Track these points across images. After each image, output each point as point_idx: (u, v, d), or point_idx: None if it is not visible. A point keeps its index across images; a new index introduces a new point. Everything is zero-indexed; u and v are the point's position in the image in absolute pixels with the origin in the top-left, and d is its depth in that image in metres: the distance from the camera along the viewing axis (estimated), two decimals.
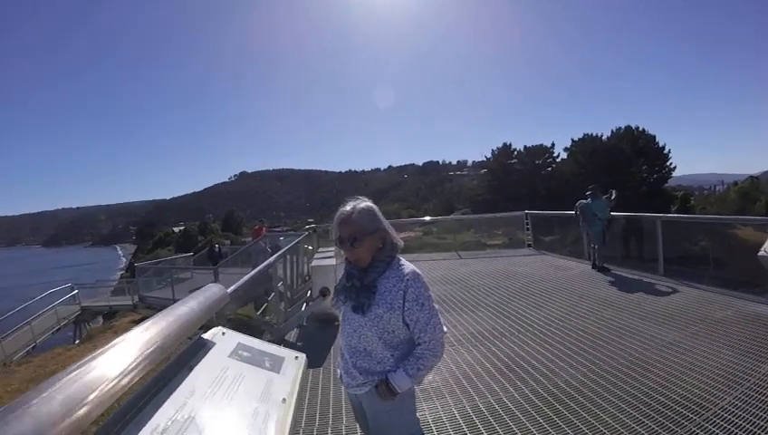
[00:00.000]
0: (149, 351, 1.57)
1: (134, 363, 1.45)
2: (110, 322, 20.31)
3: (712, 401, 3.42)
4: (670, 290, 7.02)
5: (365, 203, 2.02)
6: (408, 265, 2.01)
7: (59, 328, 19.74)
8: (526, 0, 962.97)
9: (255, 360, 2.13)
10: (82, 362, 1.23)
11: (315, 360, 4.92)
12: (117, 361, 1.38)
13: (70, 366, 1.20)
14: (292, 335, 6.07)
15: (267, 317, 8.56)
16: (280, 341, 5.66)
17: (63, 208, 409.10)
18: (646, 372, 4.02)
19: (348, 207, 1.99)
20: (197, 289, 2.30)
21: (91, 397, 1.09)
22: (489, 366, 4.45)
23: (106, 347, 1.41)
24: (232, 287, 2.78)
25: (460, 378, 4.23)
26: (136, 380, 1.41)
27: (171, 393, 1.64)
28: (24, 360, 15.62)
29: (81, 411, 1.02)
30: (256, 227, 18.35)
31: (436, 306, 1.96)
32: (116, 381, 1.29)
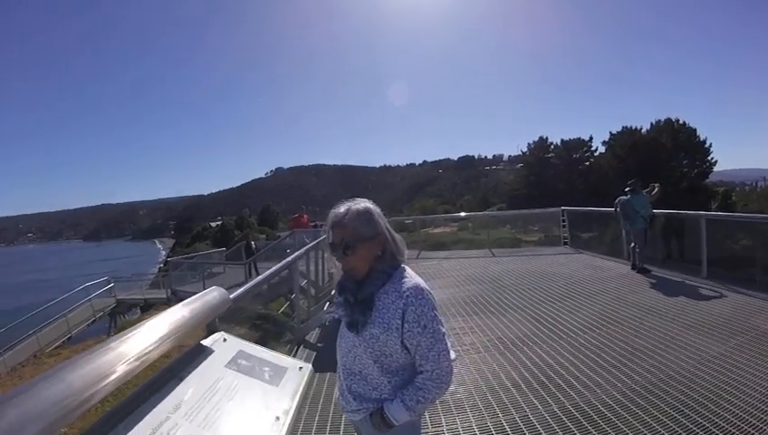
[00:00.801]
0: (140, 357, 1.43)
1: (118, 371, 1.32)
2: (143, 315, 20.59)
3: (764, 422, 3.09)
4: (715, 295, 6.56)
5: (363, 204, 1.76)
6: (412, 277, 1.71)
7: (94, 320, 20.13)
8: None
9: (254, 370, 1.95)
10: (63, 365, 1.14)
11: (333, 362, 4.72)
12: (101, 367, 1.25)
13: (55, 367, 1.12)
14: (313, 335, 5.90)
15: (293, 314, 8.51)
16: (300, 341, 5.53)
17: (104, 204, 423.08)
18: (687, 390, 3.65)
19: (341, 208, 1.73)
20: (200, 293, 2.17)
21: (67, 403, 1.02)
22: (516, 377, 4.15)
23: (92, 351, 1.29)
24: (237, 292, 2.63)
25: (484, 390, 3.94)
26: (121, 387, 1.30)
27: (154, 407, 1.49)
28: (55, 352, 16.02)
29: (53, 418, 0.96)
30: (296, 215, 16.04)
31: (443, 329, 1.66)
32: (97, 388, 1.17)
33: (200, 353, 1.89)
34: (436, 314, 1.65)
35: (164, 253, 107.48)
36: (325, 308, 6.73)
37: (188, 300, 2.03)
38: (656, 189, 8.55)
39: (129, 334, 1.47)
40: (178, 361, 1.76)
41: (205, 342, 2.00)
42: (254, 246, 19.59)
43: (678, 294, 6.67)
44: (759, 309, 5.75)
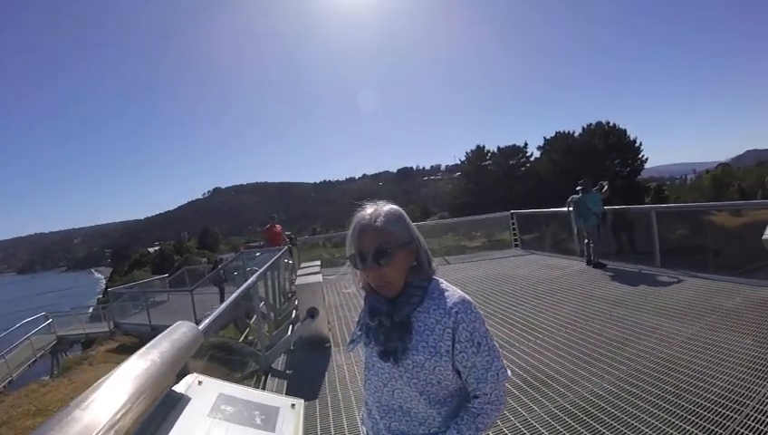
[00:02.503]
0: (111, 426, 1.10)
1: None
2: (87, 351, 19.46)
3: (748, 396, 3.18)
4: (673, 281, 6.82)
5: (391, 205, 1.47)
6: (453, 290, 1.44)
7: (35, 359, 18.78)
8: (492, 2, 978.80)
9: (243, 416, 1.68)
10: None
11: (308, 389, 4.46)
12: None
13: None
14: (279, 362, 5.53)
15: (251, 338, 8.07)
16: (267, 370, 5.16)
17: (36, 234, 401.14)
18: (671, 372, 3.74)
19: (368, 210, 1.44)
20: (167, 330, 1.84)
21: None
22: (506, 383, 4.00)
23: (50, 424, 1.00)
24: (204, 323, 2.32)
25: None
26: None
27: None
28: None
29: None
30: (268, 225, 13.13)
31: (495, 343, 1.42)
32: None
33: (174, 404, 1.57)
34: (487, 329, 1.41)
35: (103, 283, 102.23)
36: (290, 332, 6.37)
37: (154, 341, 1.67)
38: (605, 187, 8.78)
39: (90, 398, 1.14)
40: (150, 418, 1.43)
41: (177, 387, 1.68)
42: (222, 272, 17.68)
43: (639, 284, 6.86)
44: (718, 290, 5.99)
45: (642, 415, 3.12)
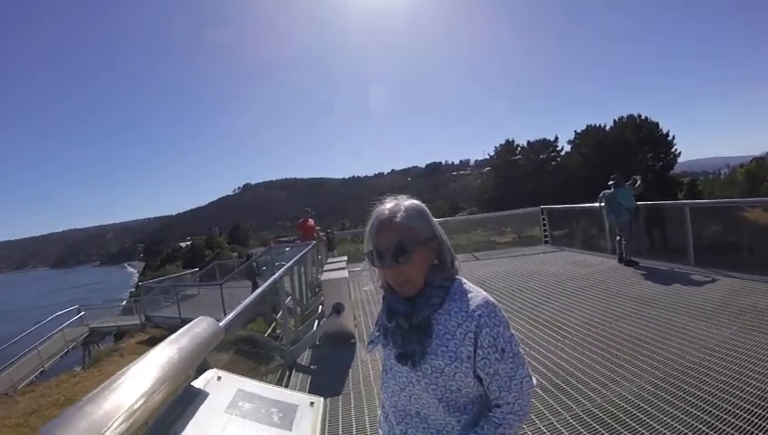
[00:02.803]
0: (127, 416, 1.14)
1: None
2: (118, 343, 19.98)
3: None
4: (707, 280, 6.59)
5: (413, 199, 1.39)
6: (477, 291, 1.36)
7: (67, 351, 19.32)
8: None
9: (260, 413, 1.65)
10: None
11: (332, 385, 4.45)
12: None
13: None
14: (304, 357, 5.55)
15: (278, 332, 8.09)
16: (291, 365, 5.19)
17: (70, 229, 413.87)
18: (702, 376, 3.58)
19: (388, 205, 1.36)
20: (187, 325, 1.84)
21: None
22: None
23: (68, 413, 1.04)
24: (226, 319, 2.30)
25: None
26: None
27: None
28: (28, 389, 15.22)
29: None
30: (301, 220, 12.65)
31: (521, 349, 1.32)
32: None
33: (192, 398, 1.57)
34: (512, 334, 1.31)
35: (136, 277, 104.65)
36: (315, 327, 6.38)
37: (173, 336, 1.67)
38: (638, 182, 8.52)
39: (108, 389, 1.17)
40: (166, 412, 1.44)
41: (195, 383, 1.68)
42: (255, 265, 17.42)
43: (671, 283, 6.64)
44: (752, 289, 5.80)
45: (670, 421, 3.01)
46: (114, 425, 1.07)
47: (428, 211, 1.39)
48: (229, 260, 35.42)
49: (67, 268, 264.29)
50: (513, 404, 1.29)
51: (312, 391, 4.41)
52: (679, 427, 2.92)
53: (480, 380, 1.30)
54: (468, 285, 1.39)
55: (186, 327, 1.79)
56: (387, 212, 1.34)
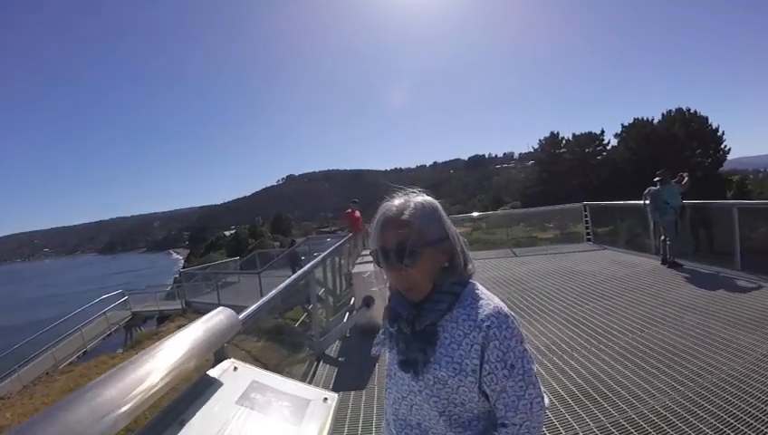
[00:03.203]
0: (136, 397, 1.18)
1: (107, 419, 1.07)
2: (159, 327, 20.60)
3: None
4: (753, 287, 6.23)
5: (424, 196, 1.30)
6: (489, 299, 1.24)
7: (109, 333, 20.08)
8: None
9: (271, 406, 1.65)
10: (48, 411, 0.98)
11: (357, 379, 4.44)
12: (90, 414, 1.04)
13: (42, 412, 0.98)
14: (333, 349, 5.57)
15: (309, 320, 8.19)
16: (320, 355, 5.23)
17: (118, 217, 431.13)
18: (742, 394, 3.34)
19: (396, 201, 1.26)
20: (206, 316, 1.87)
21: None
22: (560, 390, 3.76)
23: (81, 392, 1.10)
24: (245, 312, 2.32)
25: None
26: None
27: None
28: (67, 369, 15.90)
29: None
30: (348, 210, 12.62)
31: (534, 366, 1.20)
32: None
33: (206, 388, 1.60)
34: (525, 349, 1.19)
35: (181, 263, 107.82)
36: (345, 319, 6.39)
37: (191, 326, 1.73)
38: (685, 179, 8.12)
39: (121, 372, 1.21)
40: (180, 399, 1.48)
41: (211, 372, 1.72)
42: (296, 253, 17.29)
43: (716, 289, 6.31)
44: None
45: None
46: (121, 409, 1.10)
47: (441, 209, 1.29)
48: (271, 249, 36.10)
49: (114, 254, 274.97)
50: (521, 426, 1.17)
51: (337, 384, 4.44)
52: None
53: (486, 395, 1.20)
54: (481, 290, 1.28)
55: (204, 317, 1.83)
56: (394, 209, 1.25)
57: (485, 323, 1.16)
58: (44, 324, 19.66)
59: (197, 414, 1.41)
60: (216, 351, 1.81)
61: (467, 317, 1.20)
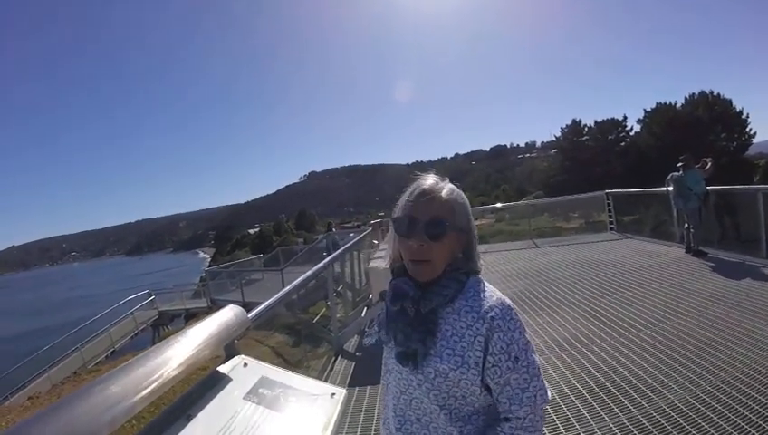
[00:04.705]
0: (142, 391, 1.22)
1: (116, 411, 1.12)
2: (186, 325, 20.93)
3: None
4: None
5: (452, 184, 1.29)
6: (492, 291, 1.24)
7: (137, 333, 20.53)
8: None
9: (279, 401, 1.68)
10: (58, 404, 1.01)
11: (374, 374, 4.41)
12: (97, 407, 1.08)
13: (51, 405, 1.01)
14: (351, 344, 5.59)
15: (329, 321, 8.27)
16: (339, 350, 5.27)
17: (145, 219, 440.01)
18: (764, 387, 3.23)
19: (432, 180, 1.26)
20: (216, 313, 1.91)
21: None
22: (578, 385, 3.70)
23: (90, 386, 1.13)
24: (256, 310, 2.36)
25: None
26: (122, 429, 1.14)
27: None
28: (95, 368, 16.28)
29: None
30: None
31: (537, 358, 1.20)
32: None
33: (215, 383, 1.64)
34: (528, 340, 1.19)
35: (207, 262, 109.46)
36: (363, 314, 6.43)
37: (202, 323, 1.80)
38: (708, 165, 7.89)
39: (129, 367, 1.26)
40: (188, 394, 1.51)
41: (222, 368, 1.76)
42: (337, 239, 16.65)
43: (741, 278, 6.12)
44: None
45: None
46: (127, 402, 1.14)
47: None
48: (294, 246, 36.34)
49: (142, 255, 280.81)
50: (524, 419, 1.16)
51: (354, 379, 4.48)
52: None
53: (489, 389, 1.19)
54: (485, 284, 1.26)
55: (214, 315, 1.89)
56: (431, 183, 1.24)
57: (489, 315, 1.15)
58: (74, 326, 20.21)
59: (205, 409, 1.45)
60: (227, 347, 1.85)
61: (470, 309, 1.19)
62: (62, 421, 0.96)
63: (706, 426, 2.88)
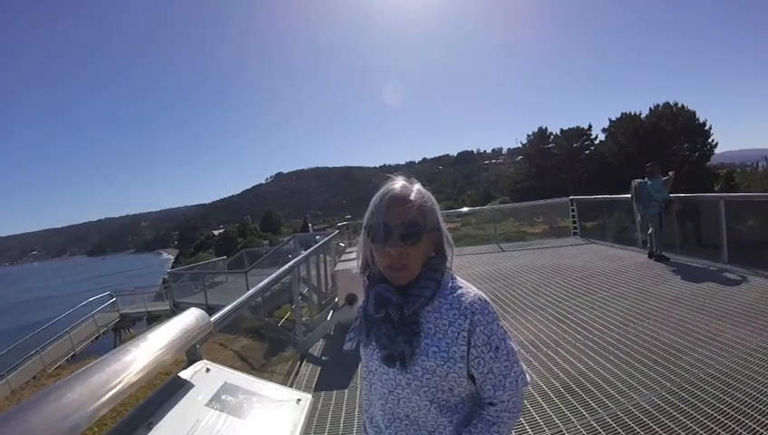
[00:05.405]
0: (101, 398, 1.16)
1: (73, 419, 1.05)
2: (150, 325, 20.50)
3: None
4: (740, 280, 6.26)
5: (421, 185, 1.31)
6: (468, 287, 1.29)
7: (98, 336, 20.08)
8: None
9: (242, 408, 1.63)
10: (19, 407, 0.98)
11: (340, 378, 4.39)
12: (54, 411, 1.03)
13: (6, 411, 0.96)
14: (316, 348, 5.52)
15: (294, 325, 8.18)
16: (304, 354, 5.18)
17: (106, 218, 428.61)
18: (728, 389, 3.32)
19: (400, 183, 1.28)
20: (177, 316, 1.83)
21: None
22: (545, 387, 3.72)
23: (47, 391, 1.08)
24: (219, 314, 2.29)
25: None
26: None
27: None
28: (56, 372, 15.86)
29: None
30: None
31: (514, 345, 1.27)
32: None
33: (176, 390, 1.58)
34: (505, 331, 1.26)
35: (170, 263, 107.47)
36: (329, 317, 6.35)
37: (163, 326, 1.74)
38: (669, 177, 8.08)
39: (87, 372, 1.20)
40: (149, 401, 1.46)
41: (183, 374, 1.70)
42: (311, 229, 16.81)
43: (703, 281, 6.33)
44: None
45: None
46: (86, 410, 1.08)
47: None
48: (259, 248, 35.99)
49: (104, 256, 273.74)
50: (508, 402, 1.24)
51: (320, 383, 4.41)
52: None
53: (473, 378, 1.25)
54: (459, 280, 1.31)
55: (175, 318, 1.83)
56: (400, 188, 1.26)
57: (470, 310, 1.21)
58: (33, 329, 19.61)
59: (166, 416, 1.40)
60: (189, 352, 1.79)
61: (450, 306, 1.23)
62: (19, 429, 0.91)
63: (673, 426, 2.92)
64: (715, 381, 3.46)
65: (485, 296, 1.26)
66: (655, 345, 4.29)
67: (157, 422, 1.35)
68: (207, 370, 1.76)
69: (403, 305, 1.22)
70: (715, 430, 2.83)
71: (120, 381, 1.23)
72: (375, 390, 1.35)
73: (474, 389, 1.28)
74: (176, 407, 1.46)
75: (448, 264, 1.32)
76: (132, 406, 1.43)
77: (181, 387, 1.58)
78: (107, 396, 1.16)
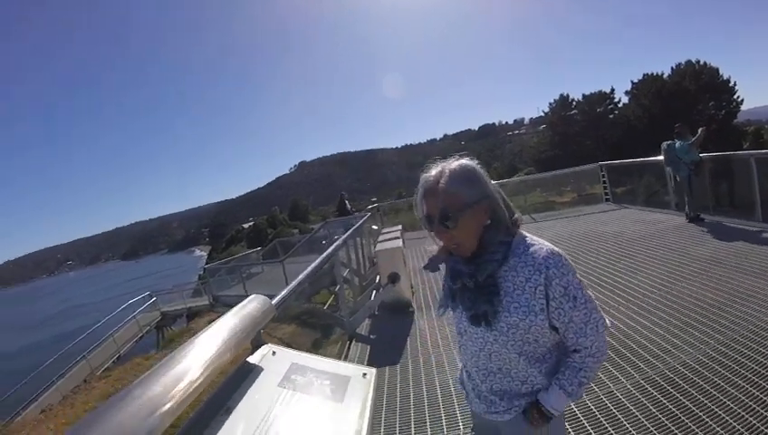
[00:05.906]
0: (178, 392, 1.19)
1: (158, 413, 1.09)
2: (189, 324, 20.91)
3: None
4: None
5: (460, 161, 1.37)
6: (541, 243, 1.36)
7: (141, 335, 20.55)
8: None
9: (313, 386, 1.68)
10: (99, 411, 0.98)
11: (390, 355, 4.52)
12: (137, 409, 1.05)
13: (93, 411, 0.96)
14: (363, 327, 5.66)
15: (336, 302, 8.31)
16: (352, 335, 5.33)
17: (137, 222, 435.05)
18: None
19: (433, 171, 1.36)
20: (240, 304, 1.92)
21: None
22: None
23: (125, 392, 1.09)
24: (278, 297, 2.37)
25: None
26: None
27: None
28: (105, 374, 16.26)
29: None
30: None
31: (591, 293, 1.34)
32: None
33: (247, 374, 1.64)
34: (580, 280, 1.33)
35: (204, 260, 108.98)
36: (372, 297, 6.46)
37: (227, 315, 1.76)
38: (699, 134, 7.87)
39: (163, 368, 1.25)
40: (223, 387, 1.52)
41: (251, 359, 1.75)
42: (348, 206, 16.90)
43: (739, 241, 6.24)
44: None
45: (733, 391, 2.85)
46: (167, 405, 1.12)
47: (478, 171, 1.37)
48: (290, 237, 36.25)
49: (138, 259, 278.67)
50: (591, 347, 1.34)
51: (371, 361, 4.52)
52: (741, 396, 2.78)
53: (555, 328, 1.35)
54: (531, 238, 1.39)
55: (238, 306, 1.86)
56: (431, 179, 1.35)
57: (544, 265, 1.29)
58: (76, 335, 20.07)
59: (242, 400, 1.45)
60: (253, 338, 1.85)
61: (525, 264, 1.32)
62: (111, 427, 0.96)
63: (720, 382, 2.97)
64: (756, 337, 3.49)
65: (559, 250, 1.33)
66: (696, 305, 4.30)
67: (234, 407, 1.40)
68: (273, 353, 1.80)
69: (475, 273, 1.34)
70: (760, 384, 2.87)
71: (196, 373, 1.28)
72: (467, 348, 1.49)
73: (558, 338, 1.39)
74: (249, 390, 1.51)
75: (514, 222, 1.40)
76: (206, 394, 1.46)
77: (251, 371, 1.64)
78: (186, 389, 1.21)
